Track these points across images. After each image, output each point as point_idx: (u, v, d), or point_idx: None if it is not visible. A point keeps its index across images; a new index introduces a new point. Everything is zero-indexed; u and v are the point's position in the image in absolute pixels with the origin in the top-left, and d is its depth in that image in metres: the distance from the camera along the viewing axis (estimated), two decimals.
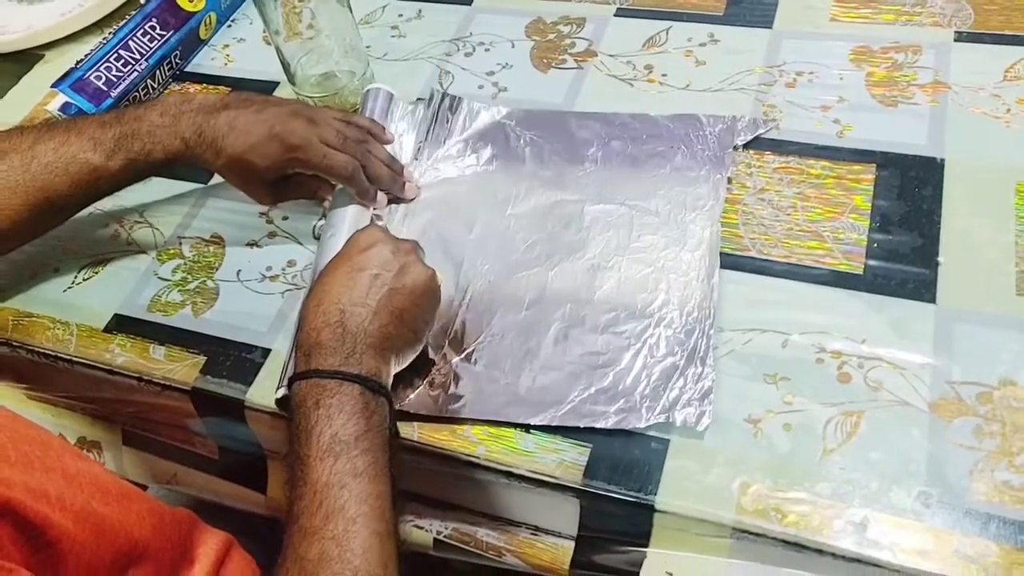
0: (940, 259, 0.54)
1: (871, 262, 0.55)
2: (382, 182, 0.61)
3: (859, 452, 0.47)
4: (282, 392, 0.52)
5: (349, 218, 0.60)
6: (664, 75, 0.69)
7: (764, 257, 0.57)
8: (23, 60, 0.86)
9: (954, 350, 0.50)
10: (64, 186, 0.57)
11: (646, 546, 0.49)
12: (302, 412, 0.45)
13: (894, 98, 0.64)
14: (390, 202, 0.63)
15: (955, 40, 0.66)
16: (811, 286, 0.55)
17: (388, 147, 0.65)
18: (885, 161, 0.60)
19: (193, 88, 0.79)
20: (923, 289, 0.53)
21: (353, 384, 0.46)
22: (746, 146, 0.63)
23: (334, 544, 0.41)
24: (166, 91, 0.79)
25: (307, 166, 0.59)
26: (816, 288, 0.54)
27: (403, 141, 0.67)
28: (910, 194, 0.58)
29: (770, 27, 0.71)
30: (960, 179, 0.58)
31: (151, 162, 0.58)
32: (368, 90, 0.68)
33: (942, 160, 0.59)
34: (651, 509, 0.48)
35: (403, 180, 0.63)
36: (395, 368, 0.50)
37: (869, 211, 0.58)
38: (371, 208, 0.62)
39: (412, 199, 0.64)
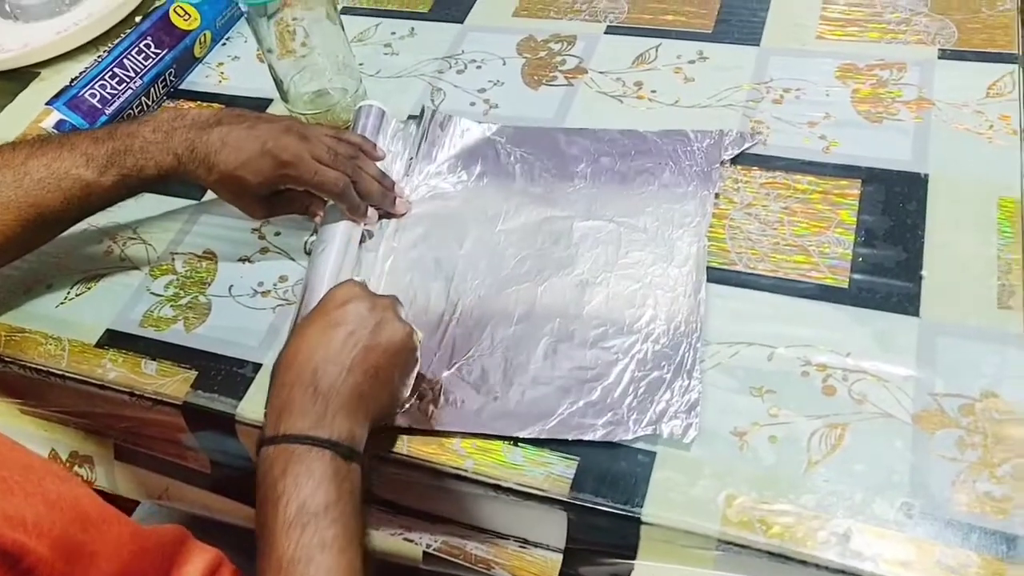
0: (924, 273, 0.55)
1: (856, 276, 0.56)
2: (373, 198, 0.62)
3: (843, 464, 0.48)
4: None
5: (340, 233, 0.61)
6: (653, 91, 0.70)
7: (750, 271, 0.57)
8: (19, 78, 0.86)
9: (937, 363, 0.51)
10: (56, 202, 0.57)
11: (633, 558, 0.50)
12: (269, 481, 0.43)
13: (879, 114, 0.65)
14: (381, 217, 0.64)
15: (939, 57, 0.67)
16: (797, 300, 0.55)
17: (379, 163, 0.65)
18: (870, 176, 0.61)
19: (188, 105, 0.80)
20: (907, 303, 0.54)
21: (324, 449, 0.44)
22: (733, 161, 0.63)
23: None
24: (160, 108, 0.80)
25: (299, 182, 0.59)
26: (802, 302, 0.55)
27: (394, 157, 0.68)
28: (895, 209, 0.59)
29: (758, 44, 0.72)
30: (943, 194, 0.59)
31: (143, 178, 0.59)
32: (360, 107, 0.69)
33: (926, 175, 0.60)
34: (638, 521, 0.48)
35: (394, 196, 0.64)
36: (367, 430, 0.48)
37: (854, 226, 0.58)
38: (362, 224, 0.62)
39: (403, 215, 0.64)
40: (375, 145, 0.65)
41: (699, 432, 0.50)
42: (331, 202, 0.62)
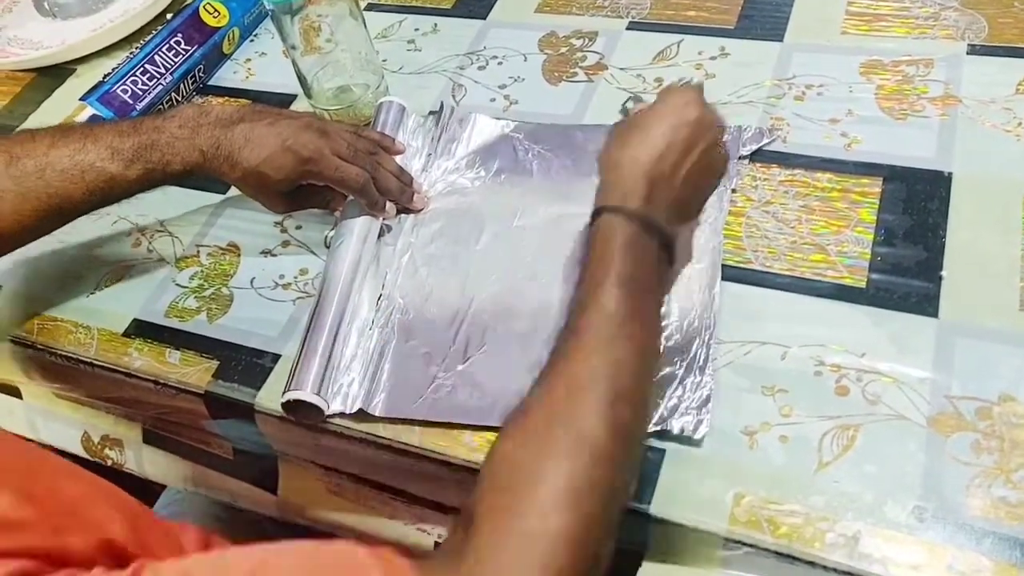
0: (943, 273, 0.54)
1: (874, 276, 0.55)
2: (391, 193, 0.63)
3: (854, 466, 0.47)
4: (289, 396, 0.54)
5: (359, 227, 0.61)
6: None
7: (766, 269, 0.57)
8: (56, 74, 0.89)
9: (954, 365, 0.50)
10: (78, 193, 0.58)
11: (642, 555, 0.50)
12: (607, 244, 0.47)
13: (904, 111, 0.64)
14: (399, 212, 0.65)
15: (968, 53, 0.66)
16: (813, 299, 0.55)
17: (399, 158, 0.66)
18: (892, 174, 0.60)
19: (216, 101, 0.81)
20: (925, 303, 0.53)
21: (653, 238, 0.48)
22: (752, 159, 0.63)
23: (607, 371, 0.42)
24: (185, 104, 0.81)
25: (319, 177, 0.60)
26: (817, 301, 0.54)
27: (414, 153, 0.68)
28: (916, 208, 0.58)
29: (781, 40, 0.71)
30: (968, 193, 0.58)
31: (168, 173, 0.60)
32: (381, 103, 0.69)
33: (950, 174, 0.59)
34: (647, 517, 0.48)
35: (412, 191, 0.65)
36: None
37: (874, 224, 0.57)
38: (380, 218, 0.63)
39: (420, 210, 0.65)
40: (394, 140, 0.66)
41: (709, 430, 0.50)
42: (350, 197, 0.63)
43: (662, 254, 0.48)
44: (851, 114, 0.64)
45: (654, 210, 0.48)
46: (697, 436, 0.49)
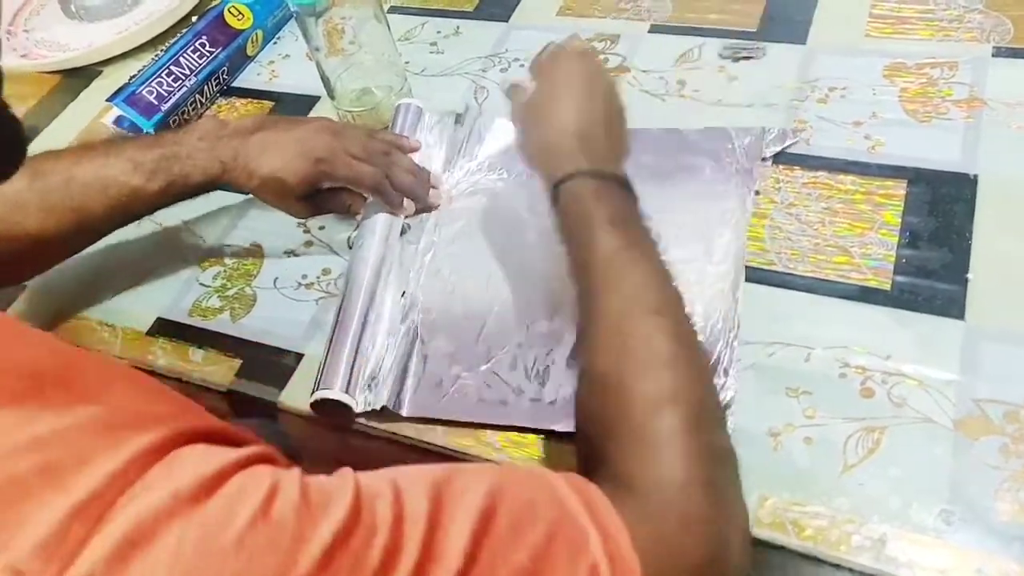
0: (969, 276, 0.54)
1: (899, 278, 0.55)
2: (407, 190, 0.63)
3: (880, 468, 0.47)
4: (319, 396, 0.54)
5: (379, 227, 0.62)
6: (696, 91, 0.70)
7: (789, 271, 0.57)
8: (83, 76, 0.90)
9: (981, 368, 0.50)
10: (100, 207, 0.58)
11: None
12: (581, 203, 0.49)
13: (928, 114, 0.63)
14: (418, 211, 0.65)
15: (993, 55, 0.66)
16: (836, 301, 0.54)
17: (417, 157, 0.66)
18: (916, 177, 0.60)
19: (239, 103, 0.82)
20: (951, 306, 0.53)
21: (611, 182, 0.50)
22: (775, 160, 0.63)
23: (634, 297, 0.45)
24: (206, 113, 0.82)
25: (335, 178, 0.61)
26: (841, 303, 0.54)
27: (432, 152, 0.69)
28: (941, 210, 0.57)
29: (804, 43, 0.71)
30: (994, 195, 0.57)
31: (189, 185, 0.60)
32: (399, 105, 0.70)
33: (975, 176, 0.58)
34: None
35: (428, 188, 0.65)
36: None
37: (898, 227, 0.57)
38: (400, 216, 0.63)
39: (438, 206, 0.65)
40: (409, 139, 0.67)
41: (733, 431, 0.49)
42: (370, 198, 0.63)
43: (627, 193, 0.51)
44: (875, 116, 0.64)
45: (601, 161, 0.51)
46: None
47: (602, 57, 0.75)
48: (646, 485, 0.39)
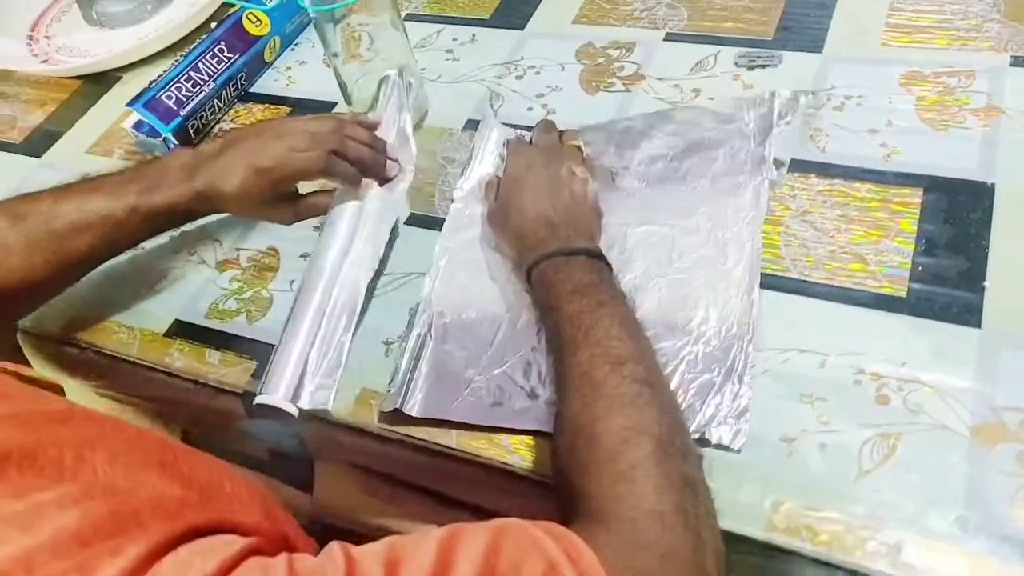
0: (986, 283, 0.53)
1: (915, 285, 0.54)
2: (363, 162, 0.62)
3: (895, 475, 0.47)
4: (260, 400, 0.54)
5: (348, 212, 0.62)
6: (711, 98, 0.70)
7: (804, 278, 0.57)
8: (103, 81, 0.91)
9: (998, 375, 0.49)
10: (84, 243, 0.58)
11: None
12: (546, 285, 0.54)
13: (945, 122, 0.63)
14: (381, 183, 0.64)
15: (1011, 64, 0.66)
16: (852, 308, 0.54)
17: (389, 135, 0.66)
18: (933, 185, 0.59)
19: (257, 108, 0.83)
20: (968, 313, 0.52)
21: (578, 256, 0.55)
22: (790, 168, 0.63)
23: (600, 349, 0.48)
24: (223, 119, 0.83)
25: (287, 180, 0.60)
26: (857, 310, 0.54)
27: (399, 117, 0.67)
28: (958, 218, 0.57)
29: (820, 51, 0.71)
30: (1010, 203, 0.57)
31: (171, 215, 0.60)
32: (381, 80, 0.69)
33: (992, 185, 0.58)
34: None
35: (385, 159, 0.64)
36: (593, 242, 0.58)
37: (915, 234, 0.57)
38: (362, 194, 0.63)
39: (395, 176, 0.65)
40: (365, 116, 0.66)
41: (747, 437, 0.49)
42: (339, 187, 0.63)
43: (594, 261, 0.54)
44: (891, 125, 0.64)
45: (565, 240, 0.56)
46: (735, 446, 0.49)
47: (617, 65, 0.75)
48: (620, 518, 0.40)
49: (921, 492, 0.46)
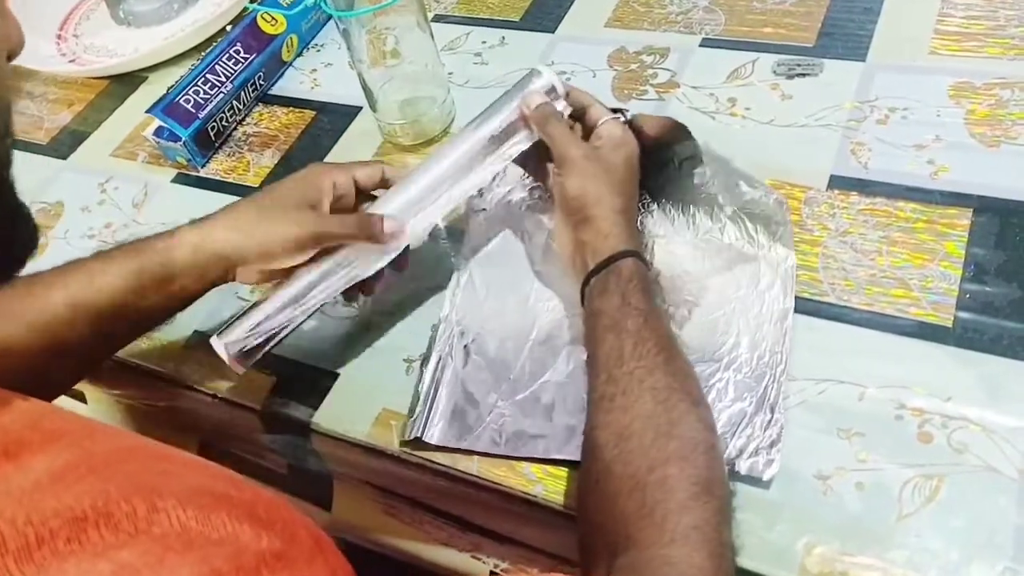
0: None
1: (962, 314, 0.52)
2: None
3: (938, 519, 0.44)
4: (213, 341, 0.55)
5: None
6: (748, 108, 0.67)
7: (843, 304, 0.54)
8: (129, 82, 0.90)
9: None
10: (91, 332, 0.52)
11: None
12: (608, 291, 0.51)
13: (997, 138, 0.60)
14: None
15: None
16: (893, 337, 0.52)
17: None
18: (983, 206, 0.56)
19: (280, 111, 0.82)
20: (1019, 346, 0.50)
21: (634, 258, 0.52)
22: (830, 186, 0.60)
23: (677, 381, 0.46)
24: (243, 122, 0.81)
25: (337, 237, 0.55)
26: (899, 339, 0.52)
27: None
28: (1010, 242, 0.54)
29: (863, 60, 0.68)
30: None
31: (183, 298, 0.55)
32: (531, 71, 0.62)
33: None
34: None
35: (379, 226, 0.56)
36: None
37: (962, 259, 0.54)
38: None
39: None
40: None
41: (779, 473, 0.47)
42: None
43: (642, 267, 0.52)
44: (938, 140, 0.61)
45: (628, 241, 0.53)
46: (765, 478, 0.47)
47: (651, 72, 0.73)
48: None
49: (965, 539, 0.44)
